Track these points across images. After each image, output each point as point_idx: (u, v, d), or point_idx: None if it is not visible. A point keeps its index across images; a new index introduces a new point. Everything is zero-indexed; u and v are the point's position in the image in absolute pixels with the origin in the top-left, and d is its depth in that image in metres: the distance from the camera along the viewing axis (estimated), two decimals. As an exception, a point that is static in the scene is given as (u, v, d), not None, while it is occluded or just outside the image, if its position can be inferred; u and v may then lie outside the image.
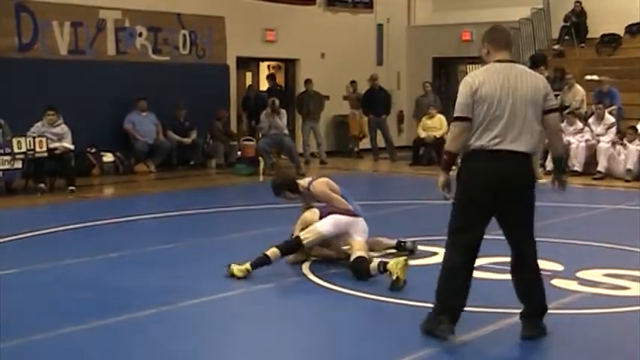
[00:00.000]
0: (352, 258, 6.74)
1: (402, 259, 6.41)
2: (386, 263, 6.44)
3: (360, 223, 7.08)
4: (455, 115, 5.04)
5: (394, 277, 6.29)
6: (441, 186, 5.15)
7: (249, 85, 18.90)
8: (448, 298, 5.11)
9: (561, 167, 5.46)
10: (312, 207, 7.37)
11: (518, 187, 5.06)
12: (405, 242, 7.70)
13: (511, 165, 4.99)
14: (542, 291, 5.23)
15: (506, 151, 4.95)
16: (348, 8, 19.86)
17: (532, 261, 5.22)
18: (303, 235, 6.90)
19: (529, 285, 5.21)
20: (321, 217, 7.04)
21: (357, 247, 6.84)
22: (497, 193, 5.00)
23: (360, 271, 6.62)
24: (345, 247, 7.14)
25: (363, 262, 6.65)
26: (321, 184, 7.46)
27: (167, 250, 8.08)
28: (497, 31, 5.27)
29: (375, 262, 6.60)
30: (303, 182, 7.59)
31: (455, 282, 5.10)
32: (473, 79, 5.02)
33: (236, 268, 6.66)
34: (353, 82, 18.75)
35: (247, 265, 6.68)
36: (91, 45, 15.11)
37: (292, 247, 6.89)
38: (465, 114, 4.97)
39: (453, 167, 5.15)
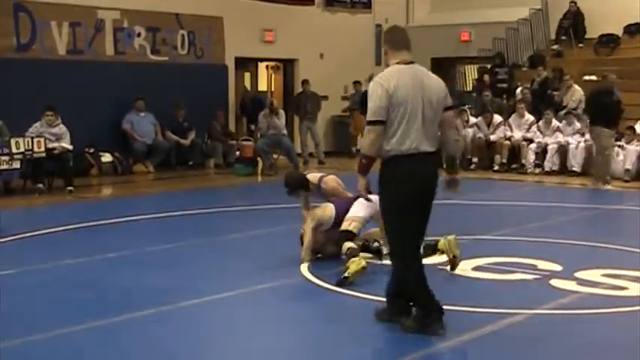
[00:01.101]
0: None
1: (451, 237, 6.85)
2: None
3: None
4: (370, 119, 5.07)
5: (451, 256, 6.79)
6: (362, 189, 5.28)
7: (246, 90, 18.85)
8: (432, 302, 5.19)
9: (454, 166, 5.54)
10: (315, 205, 7.42)
11: (434, 184, 5.23)
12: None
13: (430, 165, 5.16)
14: None
15: (424, 152, 5.08)
16: (346, 8, 19.86)
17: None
18: (347, 227, 6.98)
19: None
20: (339, 210, 7.16)
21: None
22: (422, 193, 5.13)
23: None
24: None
25: None
26: (332, 180, 7.70)
27: (166, 250, 8.08)
28: (395, 32, 5.34)
29: None
30: (312, 179, 7.64)
31: (427, 284, 5.20)
32: (387, 83, 5.05)
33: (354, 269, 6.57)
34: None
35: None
36: (89, 45, 15.09)
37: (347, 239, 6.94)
38: (382, 117, 5.04)
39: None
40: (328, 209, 7.26)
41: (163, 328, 5.45)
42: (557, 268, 7.08)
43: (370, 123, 5.07)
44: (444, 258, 6.93)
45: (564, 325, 5.60)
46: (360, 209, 7.05)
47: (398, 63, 5.17)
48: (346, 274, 6.45)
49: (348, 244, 6.86)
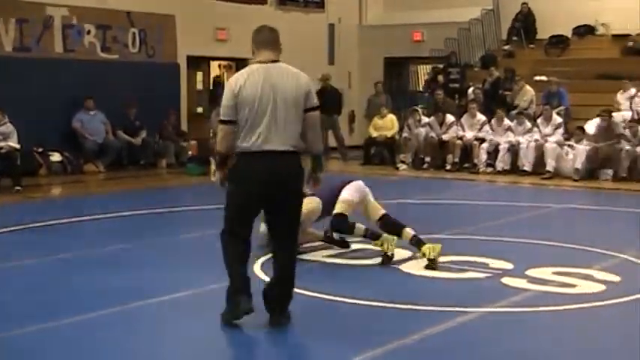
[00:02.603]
0: (379, 216, 7.42)
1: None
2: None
3: (359, 184, 7.60)
4: (220, 118, 5.25)
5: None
6: (218, 182, 5.43)
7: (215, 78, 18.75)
8: (239, 286, 5.33)
9: (319, 165, 5.59)
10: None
11: (285, 184, 5.24)
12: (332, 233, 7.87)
13: (277, 164, 5.18)
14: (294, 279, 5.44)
15: (271, 151, 5.14)
16: (299, 8, 19.84)
17: (292, 247, 5.45)
18: (339, 210, 7.30)
19: (288, 269, 5.39)
20: (325, 202, 7.43)
21: (376, 209, 7.49)
22: (266, 190, 5.19)
23: (390, 225, 7.35)
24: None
25: (389, 218, 7.42)
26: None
27: (118, 250, 7.97)
28: (261, 32, 5.44)
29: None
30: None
31: (242, 267, 5.34)
32: (235, 83, 5.20)
33: None
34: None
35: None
36: (37, 42, 14.84)
37: (344, 222, 7.31)
38: (229, 117, 5.19)
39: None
40: (314, 201, 7.39)
41: (117, 329, 5.37)
42: (509, 266, 7.14)
43: (220, 122, 5.25)
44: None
45: (516, 322, 5.65)
46: (350, 193, 7.41)
47: (257, 62, 5.27)
48: (388, 254, 7.07)
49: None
